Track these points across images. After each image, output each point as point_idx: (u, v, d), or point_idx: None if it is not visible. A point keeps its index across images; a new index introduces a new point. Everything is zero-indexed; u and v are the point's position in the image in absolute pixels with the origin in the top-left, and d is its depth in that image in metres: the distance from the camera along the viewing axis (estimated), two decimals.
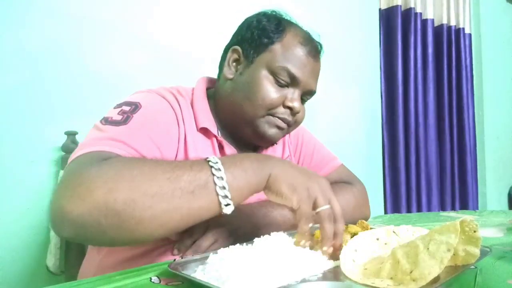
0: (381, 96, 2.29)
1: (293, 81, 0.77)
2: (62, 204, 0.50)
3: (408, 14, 2.30)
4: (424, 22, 2.40)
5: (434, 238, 0.46)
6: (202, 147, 0.77)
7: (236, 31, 0.85)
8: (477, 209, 2.59)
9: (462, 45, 2.57)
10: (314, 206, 0.57)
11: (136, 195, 0.50)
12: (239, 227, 0.69)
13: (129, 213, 0.49)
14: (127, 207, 0.49)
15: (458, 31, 2.57)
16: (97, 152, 0.57)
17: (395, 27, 2.26)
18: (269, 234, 0.61)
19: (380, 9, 2.30)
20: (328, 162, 0.97)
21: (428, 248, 0.45)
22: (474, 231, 0.50)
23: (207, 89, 0.86)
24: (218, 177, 0.53)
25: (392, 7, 2.27)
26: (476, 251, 0.50)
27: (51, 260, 1.06)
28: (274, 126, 0.78)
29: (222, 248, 0.55)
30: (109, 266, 0.71)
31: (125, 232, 0.51)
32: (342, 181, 0.94)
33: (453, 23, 2.53)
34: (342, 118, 2.05)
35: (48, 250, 1.07)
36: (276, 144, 0.91)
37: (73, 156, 0.59)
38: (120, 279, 0.51)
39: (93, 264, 0.76)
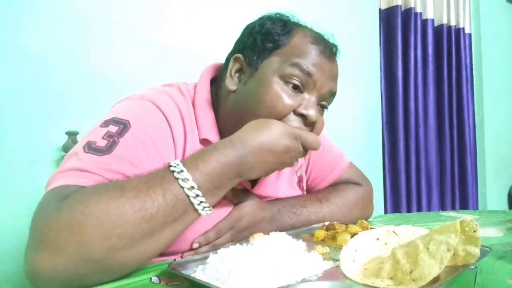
0: (381, 96, 2.29)
1: (307, 81, 0.66)
2: (34, 259, 0.47)
3: (408, 14, 2.30)
4: (424, 22, 2.40)
5: (434, 238, 0.46)
6: None
7: (238, 38, 0.77)
8: (477, 209, 2.59)
9: (462, 45, 2.57)
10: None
11: (111, 241, 0.46)
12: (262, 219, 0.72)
13: (110, 258, 0.47)
14: (106, 254, 0.47)
15: (458, 31, 2.57)
16: (61, 188, 0.53)
17: (395, 27, 2.26)
18: (268, 234, 0.61)
19: (380, 9, 2.30)
20: (337, 164, 0.95)
21: (428, 248, 0.45)
22: (474, 231, 0.49)
23: (212, 79, 0.79)
24: (188, 188, 0.52)
25: (392, 7, 2.27)
26: (476, 251, 0.49)
27: None
28: None
29: (222, 248, 0.55)
30: None
31: (109, 274, 0.50)
32: (351, 181, 0.94)
33: (453, 23, 2.53)
34: (342, 118, 2.05)
35: None
36: None
37: (48, 187, 0.55)
38: (120, 279, 0.51)
39: None
